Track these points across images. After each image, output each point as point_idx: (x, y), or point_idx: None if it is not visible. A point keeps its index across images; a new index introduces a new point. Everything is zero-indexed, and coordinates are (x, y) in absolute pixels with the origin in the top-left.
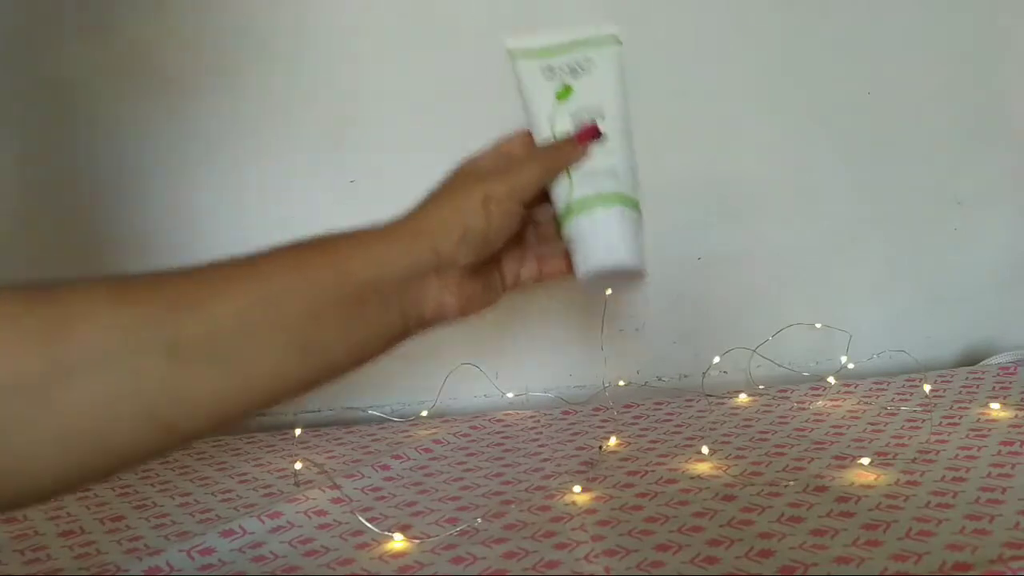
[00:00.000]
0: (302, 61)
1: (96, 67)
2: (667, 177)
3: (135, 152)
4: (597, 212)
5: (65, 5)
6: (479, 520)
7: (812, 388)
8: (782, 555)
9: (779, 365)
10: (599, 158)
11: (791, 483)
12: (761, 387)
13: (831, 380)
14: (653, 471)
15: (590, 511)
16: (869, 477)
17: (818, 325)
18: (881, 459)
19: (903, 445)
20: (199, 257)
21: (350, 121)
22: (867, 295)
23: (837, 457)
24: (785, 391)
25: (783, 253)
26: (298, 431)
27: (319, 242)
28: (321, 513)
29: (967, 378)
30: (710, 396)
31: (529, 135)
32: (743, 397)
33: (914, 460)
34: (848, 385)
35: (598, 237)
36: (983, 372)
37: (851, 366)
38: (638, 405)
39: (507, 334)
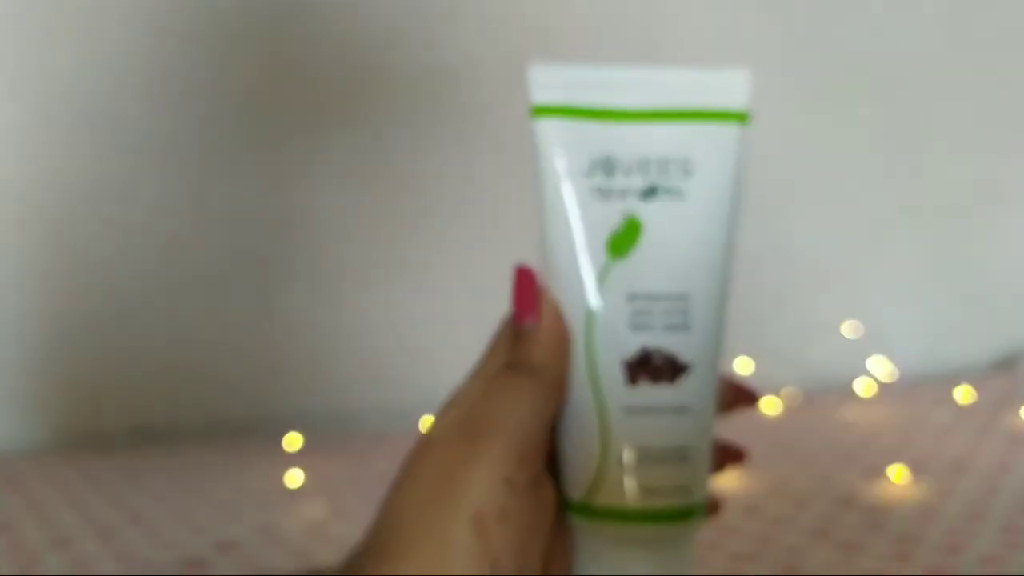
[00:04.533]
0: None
1: None
2: None
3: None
4: (632, 543)
5: None
6: None
7: (841, 394)
8: (808, 571)
9: (806, 369)
10: (662, 423)
11: (819, 496)
12: (787, 393)
13: (861, 385)
14: None
15: None
16: (900, 489)
17: (847, 327)
18: (913, 469)
19: (936, 455)
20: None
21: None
22: (899, 295)
23: (867, 468)
24: (813, 397)
25: (810, 251)
26: (297, 439)
27: None
28: (319, 525)
29: (1003, 382)
30: None
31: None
32: (769, 403)
33: (947, 470)
34: (879, 391)
35: None
36: (1019, 376)
37: (882, 370)
38: None
39: None
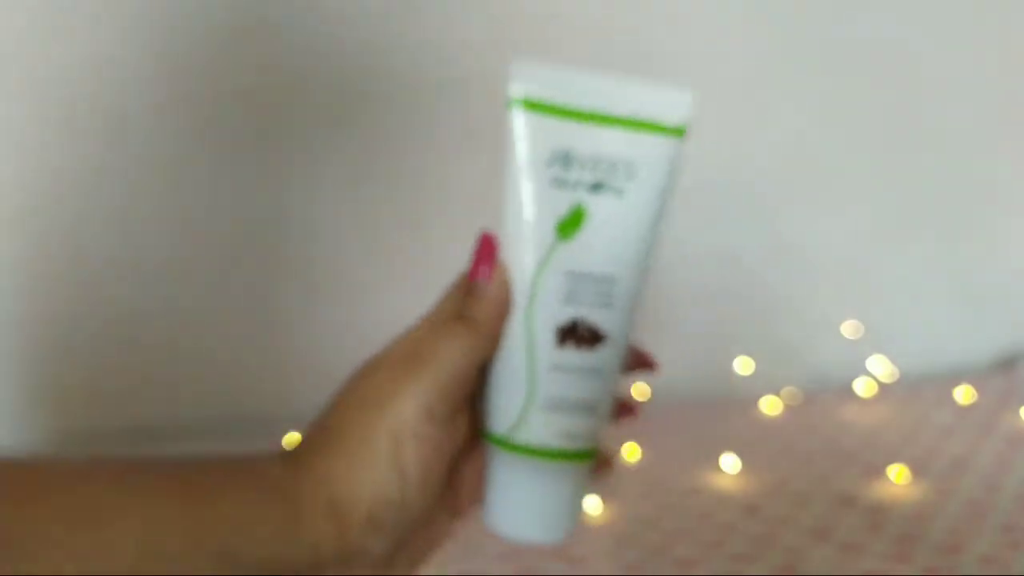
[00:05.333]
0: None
1: None
2: (691, 171)
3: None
4: (544, 474)
5: None
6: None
7: (841, 394)
8: (808, 571)
9: (806, 369)
10: (579, 380)
11: (819, 496)
12: (788, 392)
13: (861, 385)
14: (674, 482)
15: (606, 525)
16: (900, 489)
17: (847, 327)
18: (913, 469)
19: (936, 454)
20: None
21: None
22: (899, 295)
23: (867, 467)
24: (813, 397)
25: (811, 251)
26: (296, 439)
27: (208, 487)
28: None
29: (1003, 382)
30: (735, 401)
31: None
32: (770, 402)
33: (947, 470)
34: (879, 391)
35: (532, 505)
36: (1020, 376)
37: (882, 370)
38: (659, 410)
39: None
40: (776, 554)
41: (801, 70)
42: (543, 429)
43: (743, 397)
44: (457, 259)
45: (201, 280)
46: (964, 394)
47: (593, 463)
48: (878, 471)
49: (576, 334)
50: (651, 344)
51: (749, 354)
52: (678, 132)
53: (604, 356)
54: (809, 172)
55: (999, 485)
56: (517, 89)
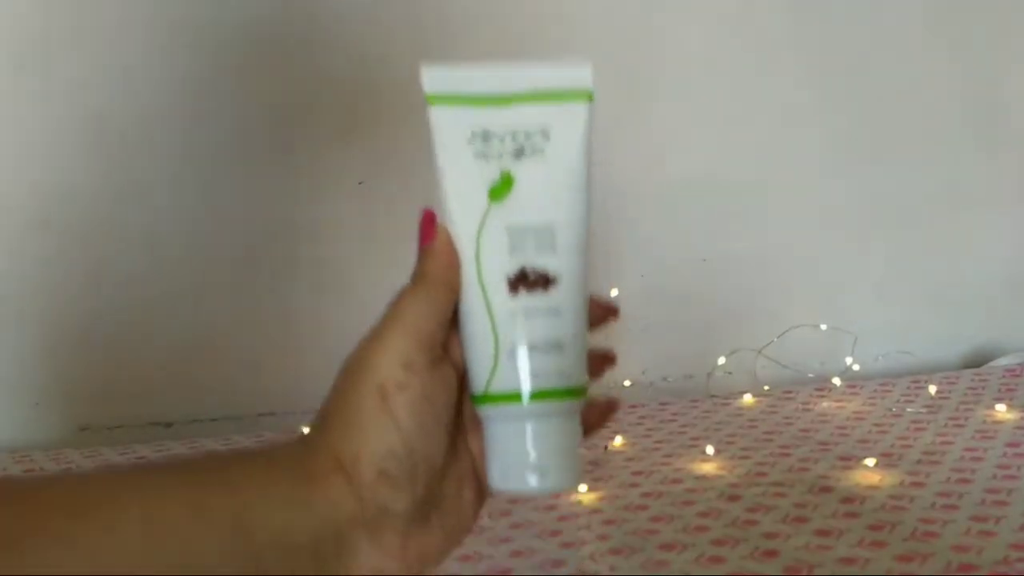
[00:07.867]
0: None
1: None
2: (671, 178)
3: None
4: (526, 419)
5: None
6: (486, 518)
7: (817, 389)
8: (787, 555)
9: (784, 366)
10: (539, 322)
11: (796, 484)
12: (766, 388)
13: (836, 381)
14: (658, 471)
15: (596, 510)
16: (874, 478)
17: (823, 326)
18: (886, 460)
19: (908, 446)
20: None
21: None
22: (872, 296)
23: (842, 458)
24: (790, 392)
25: (788, 254)
26: (306, 430)
27: (213, 466)
28: None
29: (972, 380)
30: (715, 397)
31: (443, 251)
32: (748, 398)
33: (919, 461)
34: (853, 386)
35: (523, 453)
36: (988, 374)
37: (856, 367)
38: (643, 405)
39: None
40: (756, 539)
41: (776, 82)
42: (516, 374)
43: (723, 393)
44: None
45: (219, 283)
46: (936, 390)
47: (580, 403)
48: (853, 461)
49: (527, 280)
50: (636, 344)
51: (731, 351)
52: (584, 96)
53: (560, 296)
54: (783, 179)
55: (971, 477)
56: (429, 89)
